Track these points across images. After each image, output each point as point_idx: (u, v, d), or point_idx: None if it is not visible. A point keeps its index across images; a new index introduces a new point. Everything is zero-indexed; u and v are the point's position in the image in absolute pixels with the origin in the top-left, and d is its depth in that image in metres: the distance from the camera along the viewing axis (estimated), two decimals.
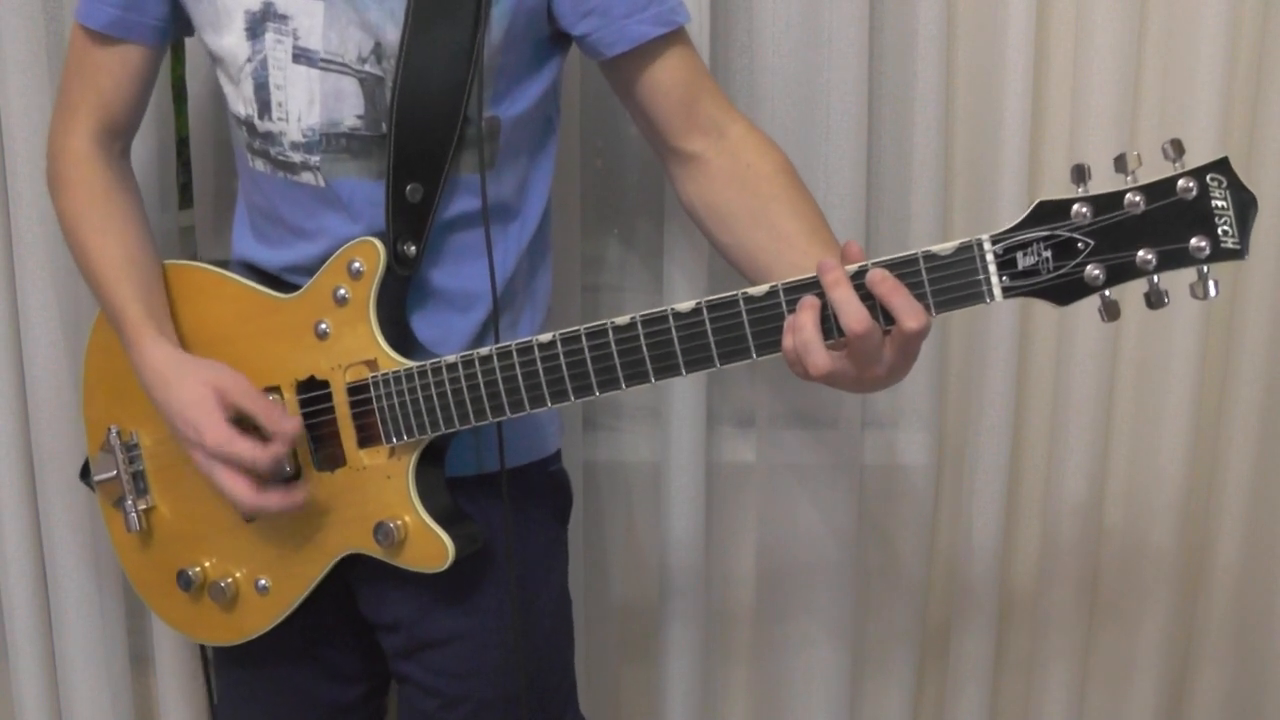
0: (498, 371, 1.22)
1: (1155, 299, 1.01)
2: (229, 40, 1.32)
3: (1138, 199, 0.98)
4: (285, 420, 1.28)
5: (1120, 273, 1.00)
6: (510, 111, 1.33)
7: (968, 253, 1.04)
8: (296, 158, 1.32)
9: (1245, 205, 0.97)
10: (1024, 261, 1.02)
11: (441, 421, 1.25)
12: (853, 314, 1.06)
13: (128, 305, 1.35)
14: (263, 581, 1.40)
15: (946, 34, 1.64)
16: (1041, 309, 1.70)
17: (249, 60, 1.32)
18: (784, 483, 1.79)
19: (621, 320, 1.15)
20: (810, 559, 1.79)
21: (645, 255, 1.80)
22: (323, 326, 1.31)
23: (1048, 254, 1.01)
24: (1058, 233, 1.01)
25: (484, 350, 1.22)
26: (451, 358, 1.24)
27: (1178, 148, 0.98)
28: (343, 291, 1.30)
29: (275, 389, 1.34)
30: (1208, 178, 0.97)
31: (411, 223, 1.30)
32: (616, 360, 1.16)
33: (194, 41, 1.56)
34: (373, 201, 1.31)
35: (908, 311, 1.05)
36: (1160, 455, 1.75)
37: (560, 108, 1.45)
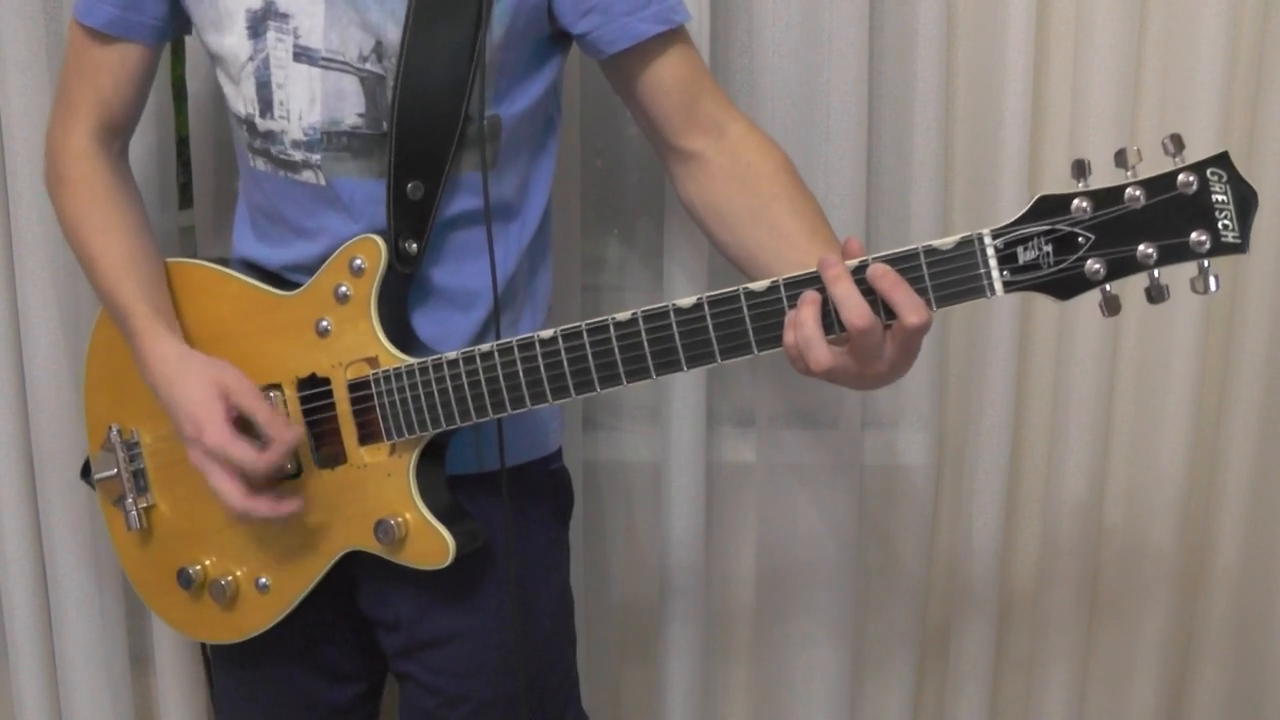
0: (499, 368, 1.22)
1: (1156, 293, 1.01)
2: (230, 39, 1.33)
3: (1138, 193, 0.98)
4: (286, 429, 1.28)
5: (1121, 267, 1.00)
6: (511, 110, 1.34)
7: (968, 247, 1.04)
8: (297, 156, 1.33)
9: (1246, 199, 0.98)
10: (1025, 256, 1.02)
11: (443, 418, 1.25)
12: (854, 309, 1.06)
13: (133, 302, 1.36)
14: (263, 580, 1.40)
15: (946, 34, 1.64)
16: (1042, 308, 1.71)
17: (250, 59, 1.32)
18: (784, 483, 1.79)
19: (623, 316, 1.15)
20: (810, 559, 1.79)
21: (645, 255, 1.80)
22: (324, 324, 1.31)
23: (1048, 248, 1.02)
24: (1058, 227, 1.01)
25: (485, 346, 1.22)
26: (452, 354, 1.24)
27: (1178, 142, 0.98)
28: (344, 289, 1.30)
29: (276, 386, 1.34)
30: (1208, 172, 0.97)
31: (412, 221, 1.30)
32: (618, 356, 1.16)
33: (194, 41, 1.56)
34: (373, 200, 1.31)
35: (909, 306, 1.05)
36: (1160, 455, 1.75)
37: (561, 107, 1.45)
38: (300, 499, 1.32)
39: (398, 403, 1.27)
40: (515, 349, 1.20)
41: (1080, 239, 1.01)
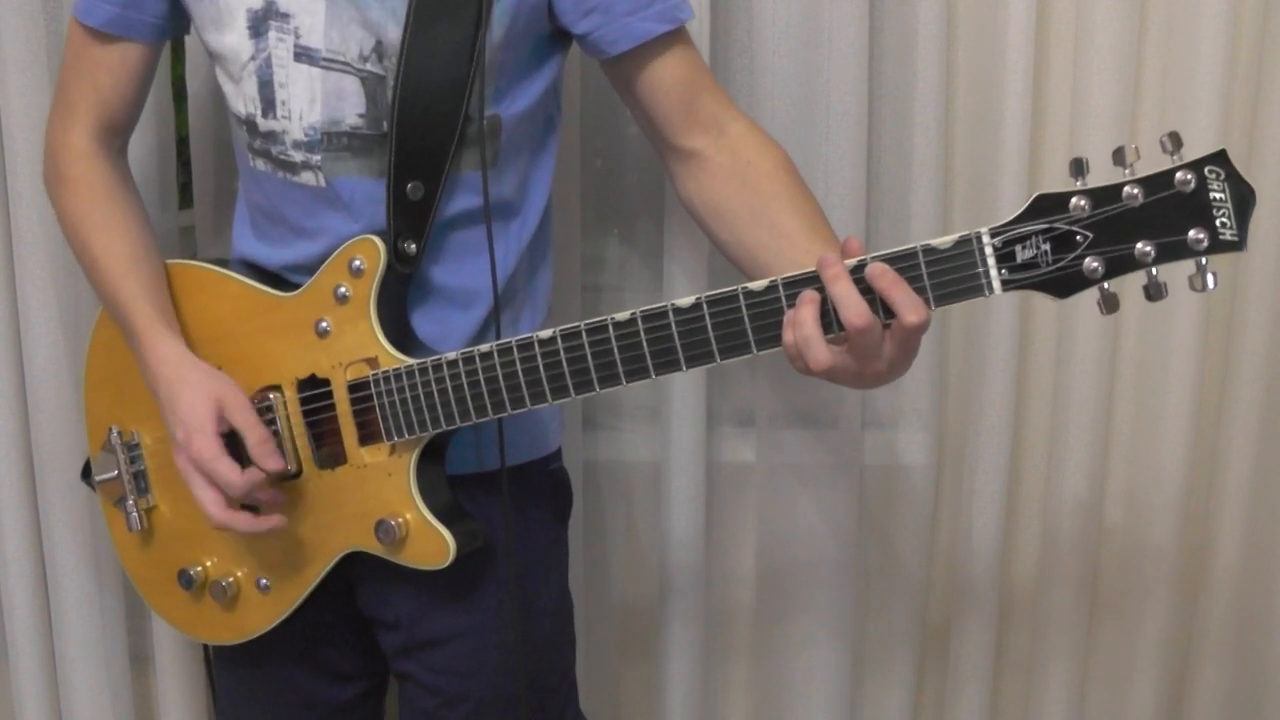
0: (498, 368, 1.22)
1: (1154, 291, 1.01)
2: (231, 39, 1.33)
3: (1136, 191, 0.98)
4: (270, 458, 1.30)
5: (1119, 265, 1.00)
6: (511, 109, 1.34)
7: (967, 246, 1.04)
8: (297, 157, 1.33)
9: (1243, 197, 0.98)
10: (1023, 254, 1.02)
11: (442, 418, 1.26)
12: (853, 308, 1.06)
13: (135, 302, 1.36)
14: (264, 580, 1.40)
15: (946, 34, 1.64)
16: (1042, 307, 1.71)
17: (251, 59, 1.32)
18: (784, 483, 1.79)
19: (622, 316, 1.15)
20: (810, 559, 1.79)
21: (645, 255, 1.80)
22: (323, 324, 1.31)
23: (1046, 247, 1.02)
24: (1056, 226, 1.01)
25: (484, 347, 1.22)
26: (452, 354, 1.24)
27: (1175, 140, 0.98)
28: (343, 289, 1.30)
29: (276, 387, 1.34)
30: (1206, 170, 0.97)
31: (412, 221, 1.30)
32: (617, 356, 1.16)
33: (194, 40, 1.56)
34: (373, 200, 1.31)
35: (907, 305, 1.05)
36: (1160, 455, 1.75)
37: (561, 106, 1.45)
38: (282, 516, 1.33)
39: (397, 403, 1.27)
40: (515, 349, 1.20)
41: (1078, 237, 1.01)
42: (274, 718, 1.53)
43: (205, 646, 1.61)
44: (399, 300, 1.32)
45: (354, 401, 1.30)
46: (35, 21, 1.65)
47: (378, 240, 1.29)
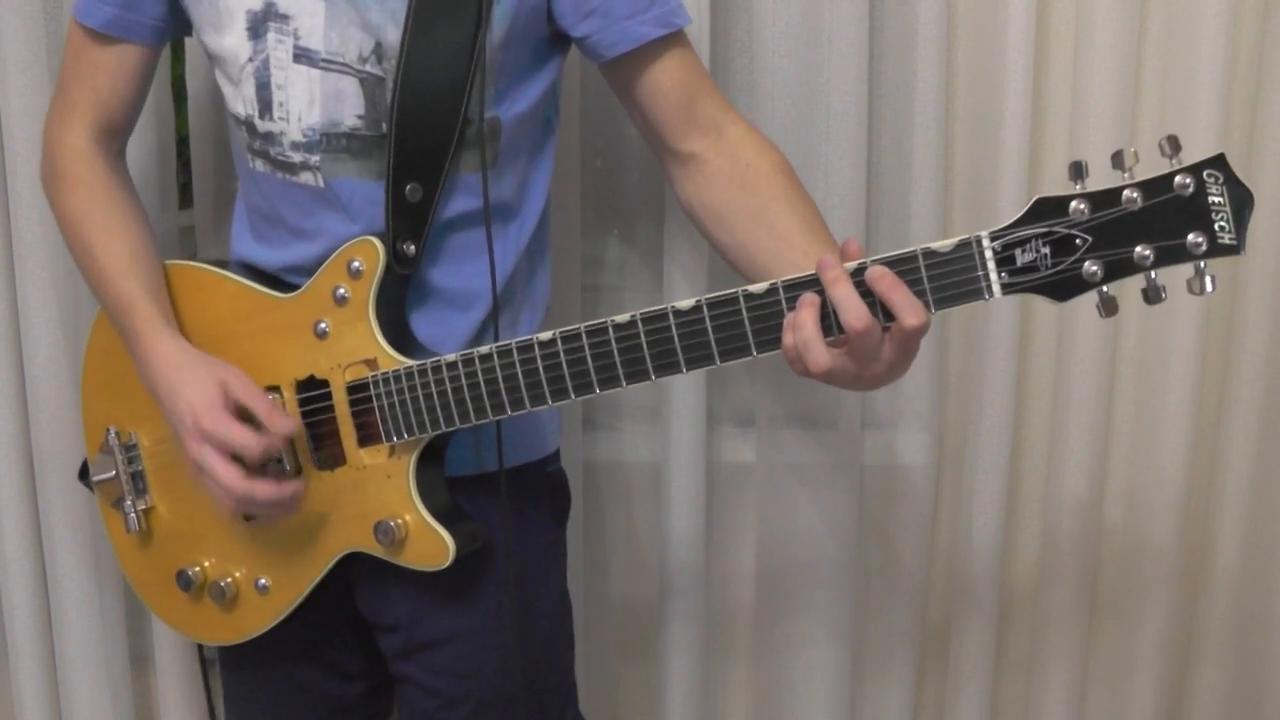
0: (498, 370, 1.22)
1: (1153, 294, 1.01)
2: (230, 40, 1.33)
3: (1135, 195, 0.98)
4: (283, 420, 1.28)
5: (1118, 269, 1.00)
6: (510, 111, 1.34)
7: (966, 249, 1.04)
8: (296, 158, 1.33)
9: (1242, 201, 0.98)
10: (1022, 258, 1.02)
11: (442, 420, 1.26)
12: (852, 311, 1.06)
13: (135, 300, 1.35)
14: (262, 581, 1.40)
15: (946, 34, 1.64)
16: (1041, 308, 1.71)
17: (250, 60, 1.32)
18: (784, 483, 1.79)
19: (622, 318, 1.15)
20: (810, 559, 1.79)
21: (645, 255, 1.80)
22: (322, 326, 1.31)
23: (1046, 250, 1.02)
24: (1056, 229, 1.01)
25: (484, 349, 1.22)
26: (451, 356, 1.24)
27: (1174, 144, 0.98)
28: (342, 291, 1.30)
29: (275, 389, 1.34)
30: (1204, 174, 0.97)
31: (411, 222, 1.30)
32: (617, 358, 1.16)
33: (194, 41, 1.56)
34: (372, 201, 1.31)
35: (907, 308, 1.05)
36: (1160, 455, 1.75)
37: (560, 108, 1.45)
38: (302, 482, 1.32)
39: (397, 405, 1.27)
40: (514, 351, 1.20)
41: (1078, 241, 1.01)
42: (278, 717, 1.54)
43: (201, 647, 1.61)
44: (398, 302, 1.32)
45: (353, 403, 1.30)
46: (35, 21, 1.65)
47: (377, 242, 1.29)
